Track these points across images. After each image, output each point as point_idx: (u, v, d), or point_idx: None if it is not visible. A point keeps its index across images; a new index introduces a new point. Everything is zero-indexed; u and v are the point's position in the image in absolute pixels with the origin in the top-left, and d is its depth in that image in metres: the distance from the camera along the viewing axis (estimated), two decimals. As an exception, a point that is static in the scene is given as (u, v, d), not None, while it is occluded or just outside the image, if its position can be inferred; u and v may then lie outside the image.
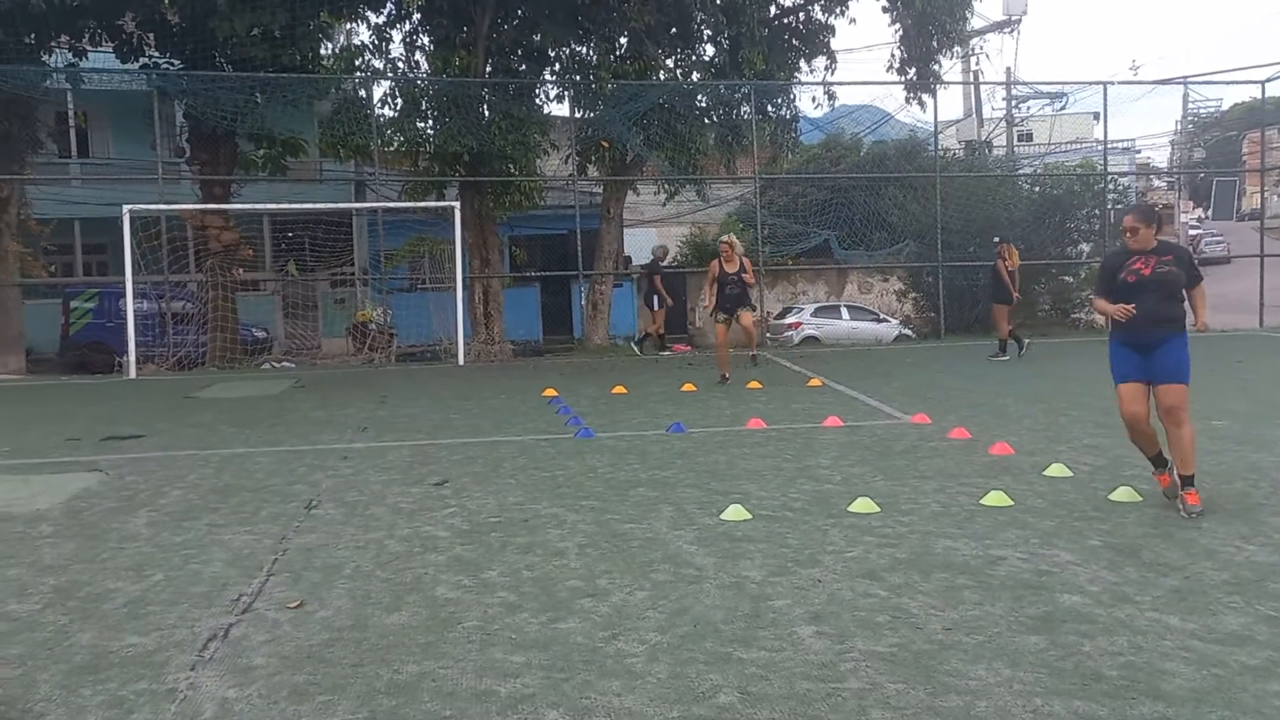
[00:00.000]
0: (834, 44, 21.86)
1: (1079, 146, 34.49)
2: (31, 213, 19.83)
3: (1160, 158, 56.38)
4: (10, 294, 19.02)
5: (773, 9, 20.68)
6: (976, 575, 5.09)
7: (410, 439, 9.60)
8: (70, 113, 25.89)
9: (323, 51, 19.70)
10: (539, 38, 19.80)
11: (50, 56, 18.63)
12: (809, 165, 28.81)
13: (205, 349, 18.98)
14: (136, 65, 19.21)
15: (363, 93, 19.93)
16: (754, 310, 13.20)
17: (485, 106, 19.41)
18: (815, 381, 13.18)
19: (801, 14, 21.43)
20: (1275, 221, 41.81)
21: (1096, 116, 27.41)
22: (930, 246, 21.20)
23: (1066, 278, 23.64)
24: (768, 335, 23.18)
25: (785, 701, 3.69)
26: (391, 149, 20.76)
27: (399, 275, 23.96)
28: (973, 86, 33.15)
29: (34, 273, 20.81)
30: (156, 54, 19.20)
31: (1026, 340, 16.29)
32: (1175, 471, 6.32)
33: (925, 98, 21.25)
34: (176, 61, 18.77)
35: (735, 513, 6.32)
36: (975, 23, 25.01)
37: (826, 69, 21.64)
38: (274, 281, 25.26)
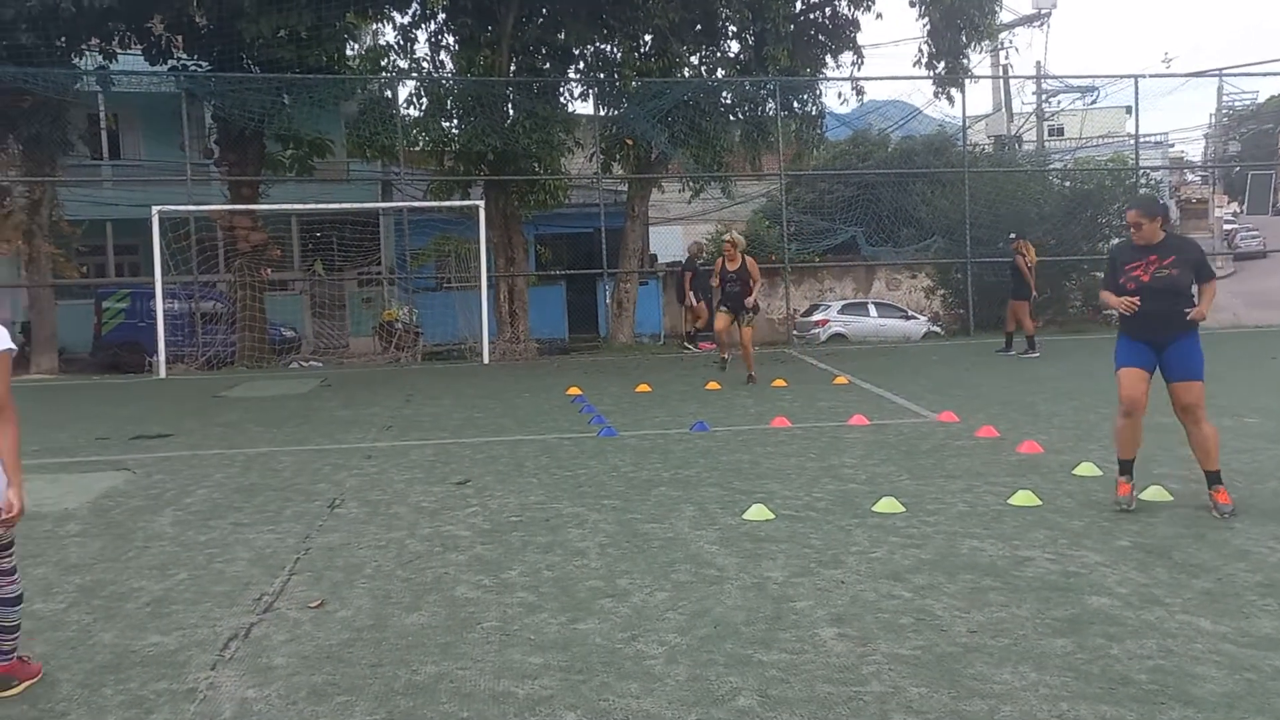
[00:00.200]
0: (860, 39, 21.66)
1: (1110, 141, 34.04)
2: (63, 214, 20.03)
3: (1194, 151, 55.65)
4: (43, 295, 19.25)
5: (798, 4, 20.56)
6: (1003, 576, 5.01)
7: (434, 438, 9.62)
8: (101, 115, 26.15)
9: (349, 52, 19.78)
10: (563, 36, 19.80)
11: (81, 59, 18.83)
12: (836, 161, 28.64)
13: (234, 348, 19.13)
14: (165, 67, 19.38)
15: (388, 93, 20.02)
16: (755, 317, 13.12)
17: (510, 105, 19.44)
18: (841, 379, 13.09)
19: (827, 9, 21.28)
20: (1312, 215, 41.16)
21: (1128, 110, 27.06)
22: (959, 242, 21.01)
23: (1098, 274, 23.31)
24: (794, 333, 23.07)
25: (806, 705, 3.64)
26: (417, 149, 20.82)
27: (425, 274, 24.04)
28: (1002, 81, 32.86)
29: (66, 274, 21.02)
30: (185, 56, 19.35)
31: (1025, 344, 16.04)
32: (1203, 470, 6.20)
33: (954, 92, 21.07)
34: (205, 63, 18.92)
35: (758, 512, 6.27)
36: (1004, 16, 24.81)
37: (853, 64, 21.53)
38: (302, 281, 25.42)
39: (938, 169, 24.79)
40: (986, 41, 21.72)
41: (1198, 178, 56.01)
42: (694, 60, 21.45)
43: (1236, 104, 51.91)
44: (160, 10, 18.19)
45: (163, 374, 16.60)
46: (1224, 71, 34.85)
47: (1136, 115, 21.69)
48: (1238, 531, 5.70)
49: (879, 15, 33.74)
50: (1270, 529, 5.71)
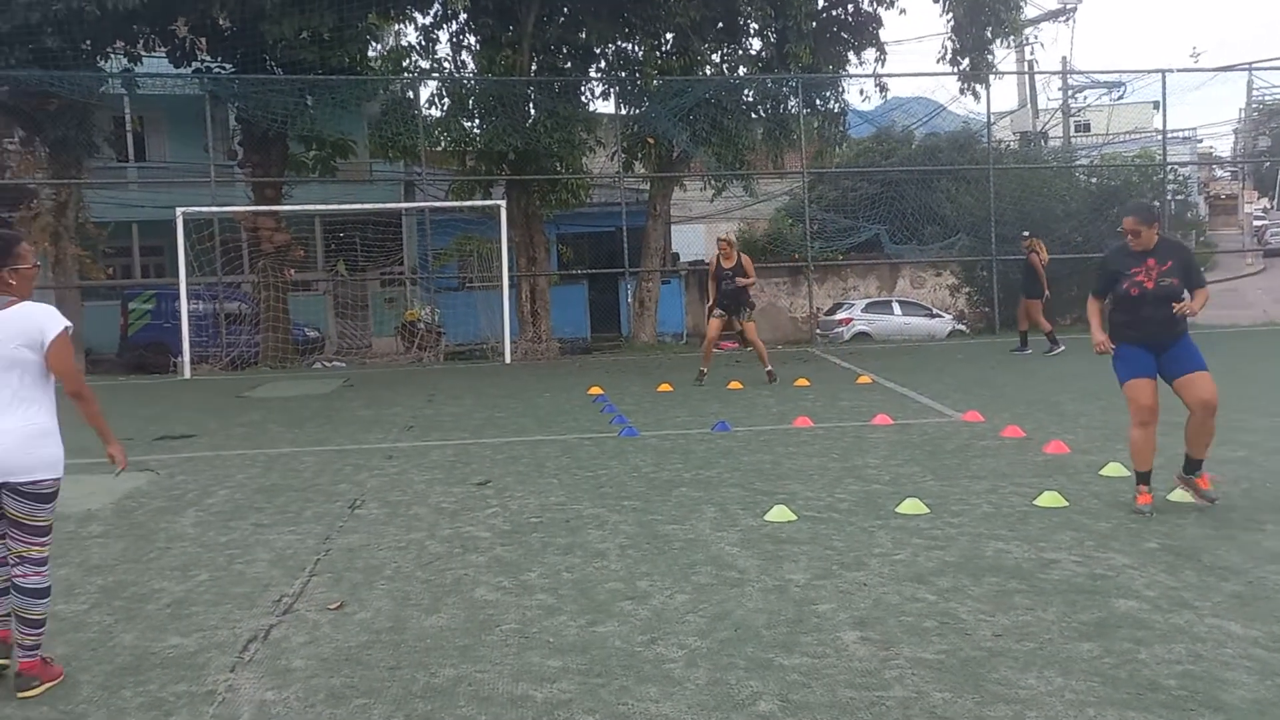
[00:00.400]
0: (883, 35, 21.49)
1: (1137, 136, 33.67)
2: (89, 216, 20.17)
3: (1223, 146, 55.04)
4: (69, 296, 19.40)
5: (820, 1, 20.44)
6: (1028, 579, 4.94)
7: (455, 438, 9.61)
8: (127, 117, 26.36)
9: (370, 53, 19.85)
10: (584, 35, 19.77)
11: (106, 62, 18.98)
12: (859, 159, 28.47)
13: (258, 349, 19.22)
14: (189, 70, 19.50)
15: (410, 93, 20.06)
16: (752, 310, 13.04)
17: (531, 105, 19.43)
18: (865, 378, 12.99)
19: (849, 5, 21.14)
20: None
21: (1156, 106, 26.77)
22: (984, 240, 20.83)
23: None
24: (817, 331, 22.96)
25: (827, 710, 3.59)
26: (439, 149, 20.86)
27: (447, 274, 24.09)
28: (1027, 77, 32.57)
29: (92, 275, 21.17)
30: (209, 58, 19.48)
31: (1030, 343, 15.86)
32: (1186, 455, 6.24)
33: (978, 88, 20.89)
34: (228, 65, 19.03)
35: (780, 514, 6.22)
36: (1029, 11, 24.61)
37: (876, 61, 21.37)
38: (325, 281, 25.54)
39: (962, 166, 24.59)
40: (1011, 37, 21.51)
41: (1227, 173, 55.39)
42: (715, 58, 21.36)
43: (1267, 98, 51.23)
44: (184, 13, 18.30)
45: (187, 374, 16.71)
46: (1254, 65, 34.40)
47: (1164, 111, 21.45)
48: (1269, 533, 5.60)
49: (902, 11, 33.51)
50: (1303, 531, 5.61)
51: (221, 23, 18.53)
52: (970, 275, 24.29)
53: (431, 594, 5.00)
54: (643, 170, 22.14)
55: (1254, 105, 49.96)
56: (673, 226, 24.18)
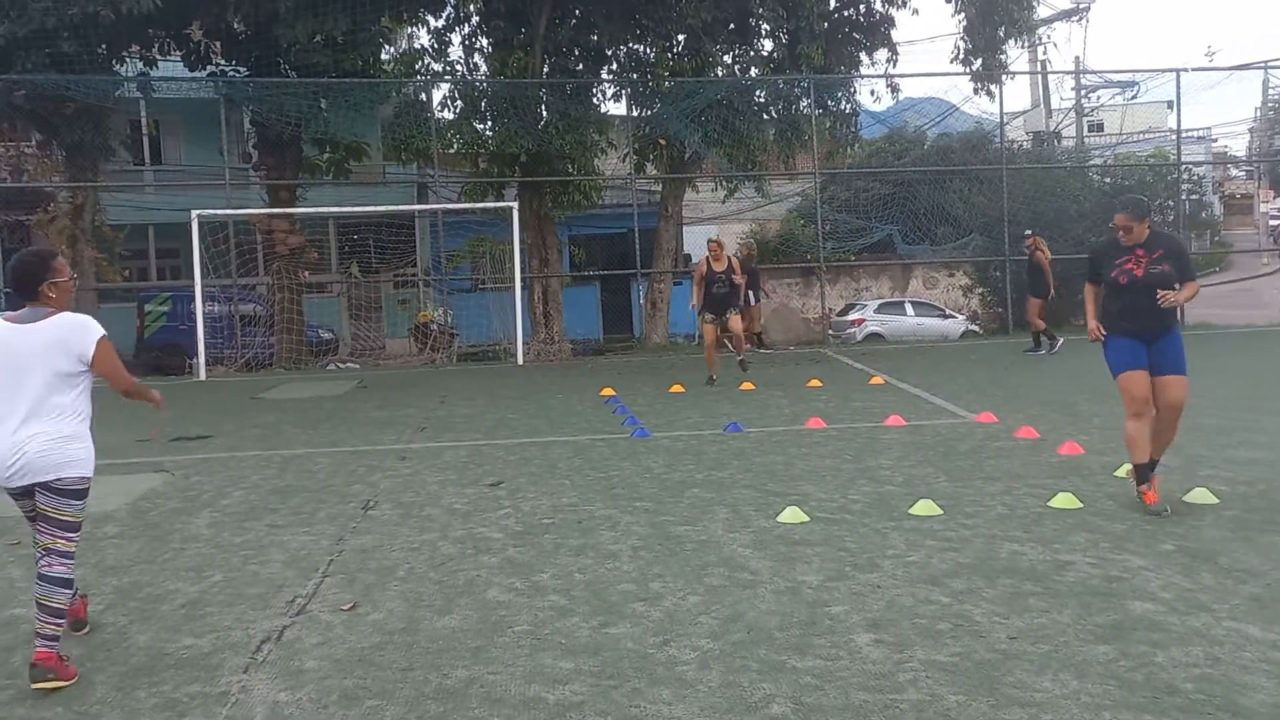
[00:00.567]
0: (895, 36, 21.44)
1: (1151, 136, 33.49)
2: (106, 219, 20.30)
3: (1238, 146, 54.68)
4: (86, 298, 19.51)
5: (832, 2, 20.41)
6: (1043, 581, 4.91)
7: (467, 439, 9.62)
8: (142, 121, 26.51)
9: (384, 56, 19.90)
10: (596, 37, 19.79)
11: (122, 66, 19.09)
12: (871, 159, 28.40)
13: (273, 350, 19.30)
14: (204, 73, 19.60)
15: (423, 96, 20.11)
16: (744, 309, 13.01)
17: (543, 107, 19.45)
18: (877, 379, 12.96)
19: (861, 6, 21.11)
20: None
21: (1170, 105, 26.61)
22: (997, 240, 20.75)
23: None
24: (830, 332, 22.91)
25: (841, 713, 3.58)
26: (451, 151, 20.91)
27: (460, 276, 24.13)
28: (1040, 76, 32.44)
29: (109, 277, 21.31)
30: (223, 62, 19.57)
31: (1047, 342, 15.79)
32: (1149, 456, 6.27)
33: (991, 88, 20.82)
34: (243, 69, 19.12)
35: (792, 515, 6.20)
36: (1042, 11, 24.48)
37: (888, 61, 21.32)
38: (339, 283, 25.61)
39: (975, 166, 24.50)
40: (1024, 36, 21.43)
41: (1242, 173, 55.02)
42: (727, 59, 21.35)
43: (1282, 97, 50.84)
44: (199, 17, 18.40)
45: (203, 376, 16.78)
46: (1269, 64, 34.17)
47: (1179, 110, 21.35)
48: (1287, 535, 5.55)
49: (915, 11, 33.32)
50: (1321, 532, 5.56)
51: (236, 27, 18.63)
52: (983, 276, 24.21)
53: (444, 595, 5.00)
54: (654, 171, 22.14)
55: (1269, 104, 49.59)
56: (684, 227, 24.14)
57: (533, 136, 18.64)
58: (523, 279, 18.67)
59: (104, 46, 17.74)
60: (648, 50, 20.32)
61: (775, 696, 3.72)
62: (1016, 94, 49.37)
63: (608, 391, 12.50)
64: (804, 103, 20.52)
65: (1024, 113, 33.93)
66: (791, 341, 19.64)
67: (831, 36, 20.08)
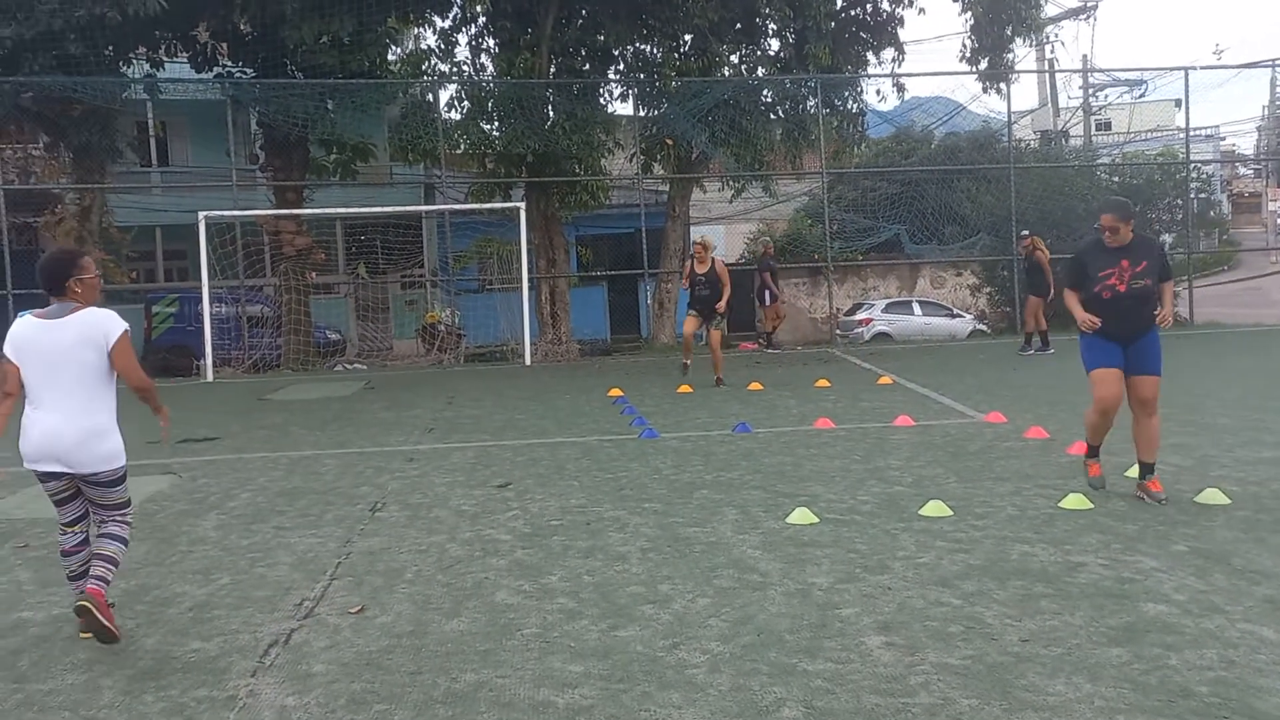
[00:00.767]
0: (902, 35, 21.40)
1: (1159, 135, 33.40)
2: (113, 221, 20.33)
3: (1246, 144, 54.43)
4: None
5: (839, 1, 20.36)
6: (1055, 583, 4.88)
7: (475, 440, 9.61)
8: (149, 122, 26.56)
9: (390, 57, 19.91)
10: (603, 37, 19.77)
11: (128, 68, 19.11)
12: (878, 159, 28.35)
13: (280, 351, 19.32)
14: (211, 75, 19.62)
15: (430, 97, 20.11)
16: (722, 322, 13.03)
17: (550, 107, 19.44)
18: (886, 379, 12.92)
19: (868, 5, 21.06)
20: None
21: (1177, 104, 26.49)
22: (1005, 240, 20.69)
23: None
24: (837, 332, 22.86)
25: (852, 717, 3.55)
26: (458, 151, 20.91)
27: (467, 276, 24.13)
28: (1047, 75, 32.33)
29: (116, 279, 21.30)
30: (230, 63, 19.59)
31: (1039, 342, 15.73)
32: (1139, 460, 6.47)
33: (1001, 86, 20.77)
34: (249, 70, 19.14)
35: (801, 516, 6.17)
36: (1049, 9, 24.42)
37: (894, 61, 21.28)
38: (346, 284, 25.63)
39: (982, 165, 24.44)
40: (1032, 35, 21.37)
41: (1250, 171, 54.79)
42: (734, 59, 21.31)
43: (1291, 95, 50.61)
44: (205, 18, 18.42)
45: (210, 377, 16.80)
46: (1278, 62, 34.05)
47: (1187, 108, 21.23)
48: (1300, 536, 5.51)
49: (921, 10, 33.28)
50: (1335, 533, 5.52)
51: (242, 28, 18.64)
52: (991, 275, 24.14)
53: (452, 598, 4.98)
54: (661, 171, 22.12)
55: (1277, 102, 49.39)
56: (692, 227, 24.09)
57: (540, 137, 18.63)
58: (530, 279, 18.66)
59: (111, 48, 17.77)
60: (654, 50, 20.29)
61: (786, 700, 3.69)
62: (1024, 93, 49.25)
63: (615, 392, 12.48)
64: (811, 102, 20.47)
65: (1031, 111, 33.81)
66: (799, 341, 19.60)
67: (838, 36, 20.04)
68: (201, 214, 17.47)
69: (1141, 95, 31.84)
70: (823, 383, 12.76)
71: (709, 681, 3.87)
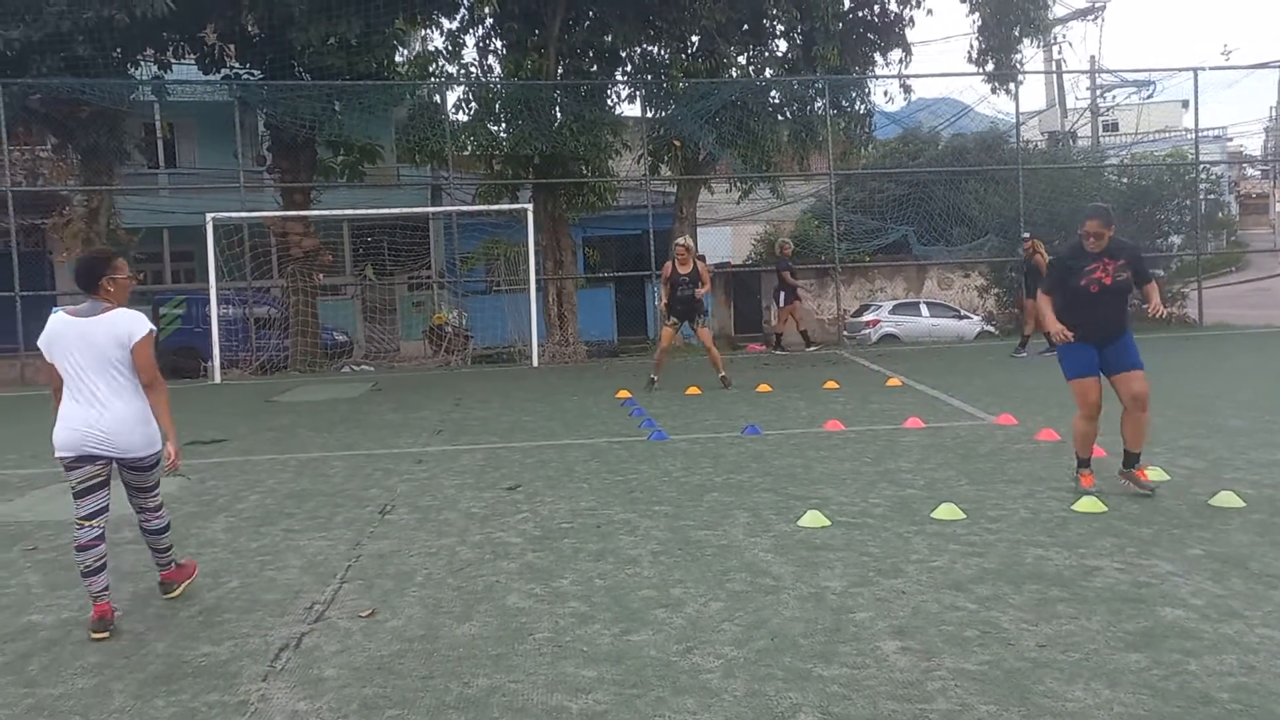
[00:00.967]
0: (910, 36, 21.36)
1: (1167, 136, 33.23)
2: (121, 222, 20.35)
3: (1253, 145, 54.27)
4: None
5: (846, 2, 20.33)
6: (1070, 587, 4.84)
7: (484, 442, 9.59)
8: (157, 124, 26.59)
9: (398, 58, 19.91)
10: (610, 38, 19.76)
11: (136, 70, 19.13)
12: (885, 160, 28.30)
13: (287, 353, 19.33)
14: (219, 76, 19.64)
15: (437, 98, 20.11)
16: (706, 317, 12.94)
17: (557, 108, 19.43)
18: (894, 381, 12.87)
19: (876, 6, 21.02)
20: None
21: (1185, 104, 26.40)
22: (1013, 241, 20.60)
23: (1157, 271, 22.80)
24: (844, 333, 22.81)
25: (869, 723, 3.51)
26: (466, 153, 20.90)
27: (475, 278, 24.13)
28: (1055, 76, 32.26)
29: (123, 280, 21.35)
30: (237, 65, 19.62)
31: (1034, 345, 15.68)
32: (1125, 450, 6.67)
33: (1009, 86, 20.71)
34: (257, 72, 19.15)
35: (813, 519, 6.14)
36: (1057, 10, 24.33)
37: (902, 62, 21.25)
38: (353, 285, 25.65)
39: (990, 166, 24.38)
40: (1040, 36, 21.31)
41: (1257, 172, 54.58)
42: (741, 60, 21.29)
43: (1299, 95, 50.40)
44: (213, 20, 18.43)
45: (218, 379, 16.81)
46: (1287, 62, 33.89)
47: (1196, 109, 21.18)
48: (1318, 540, 5.46)
49: (929, 11, 33.23)
50: (1352, 537, 5.46)
51: (250, 29, 18.66)
52: (999, 276, 24.07)
53: (463, 601, 4.95)
54: (669, 173, 22.10)
55: (1287, 102, 49.18)
56: (699, 229, 24.07)
57: (547, 138, 18.63)
58: (537, 281, 18.64)
59: (119, 50, 17.79)
60: (662, 52, 20.29)
61: (802, 706, 3.65)
62: (1031, 94, 49.18)
63: (624, 394, 12.45)
64: (819, 103, 20.43)
65: (1039, 113, 33.74)
66: (801, 342, 19.53)
67: (846, 37, 20.01)
68: (209, 215, 17.49)
69: (1149, 96, 31.75)
70: (831, 384, 12.72)
71: (724, 687, 3.84)
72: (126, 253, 20.40)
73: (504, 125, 19.76)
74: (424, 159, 20.65)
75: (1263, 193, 55.38)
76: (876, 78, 21.27)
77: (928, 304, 26.74)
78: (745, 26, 20.39)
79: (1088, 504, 6.26)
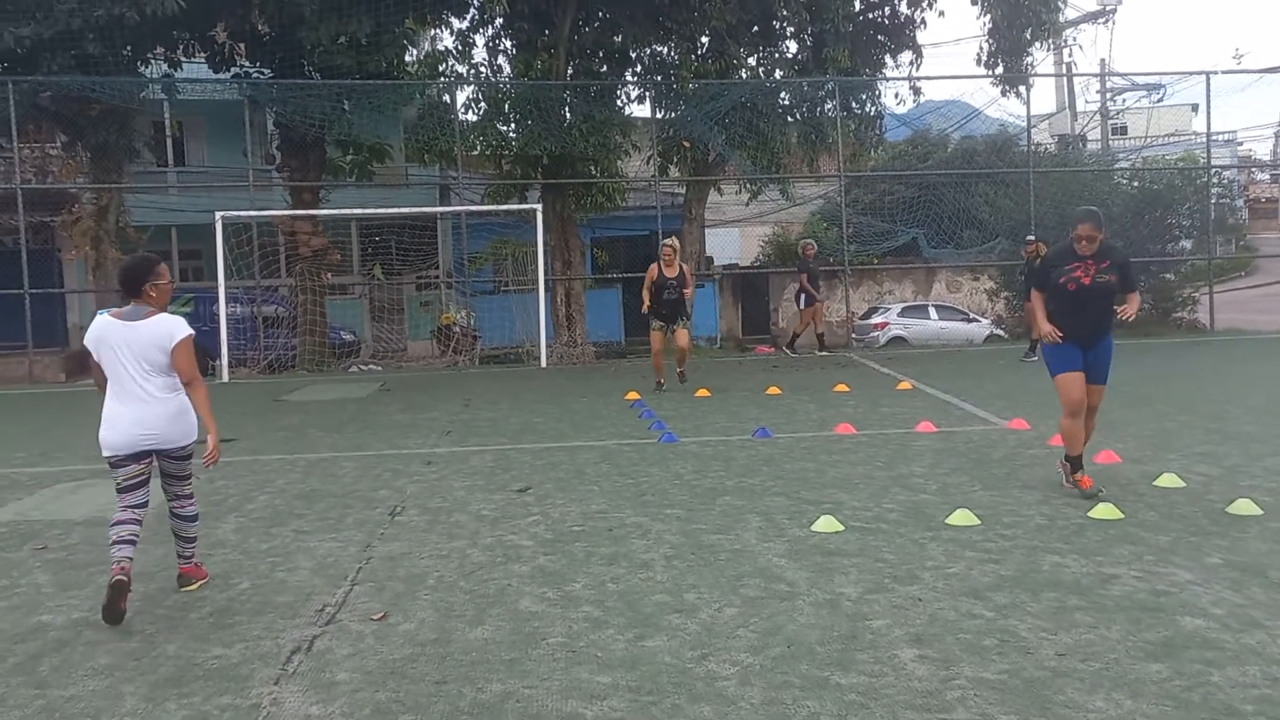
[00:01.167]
0: (920, 38, 21.27)
1: (1177, 139, 33.08)
2: (130, 220, 20.35)
3: (1262, 149, 54.03)
4: (109, 300, 19.57)
5: (857, 4, 20.26)
6: (1088, 595, 4.79)
7: (493, 443, 9.55)
8: (166, 122, 26.60)
9: (407, 58, 19.89)
10: (620, 39, 19.71)
11: (146, 68, 19.14)
12: (895, 162, 28.23)
13: (295, 352, 19.31)
14: (228, 75, 19.64)
15: (446, 98, 20.09)
16: (689, 322, 12.87)
17: (566, 109, 19.39)
18: (905, 384, 12.81)
19: (887, 8, 20.96)
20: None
21: (1195, 108, 26.29)
22: (1023, 244, 20.53)
23: (1167, 275, 22.71)
24: (853, 335, 22.73)
25: (888, 733, 3.47)
26: (475, 153, 20.87)
27: (483, 278, 24.09)
28: (1065, 79, 32.13)
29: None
30: (247, 64, 19.61)
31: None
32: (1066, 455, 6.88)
33: (1020, 89, 20.64)
34: (266, 70, 19.14)
35: (827, 524, 6.09)
36: (1068, 13, 24.25)
37: (912, 64, 21.17)
38: (361, 285, 25.64)
39: (1000, 169, 24.30)
40: (1050, 39, 21.23)
41: (1267, 176, 54.37)
42: (751, 61, 21.23)
43: (1310, 100, 50.20)
44: (223, 19, 18.43)
45: (225, 378, 16.79)
46: (1298, 66, 33.69)
47: (1208, 113, 21.06)
48: (1338, 549, 5.40)
49: (941, 13, 33.14)
50: (1373, 546, 5.41)
51: (260, 28, 18.64)
52: (1009, 279, 23.98)
53: (475, 605, 4.92)
54: (678, 174, 22.04)
55: (1297, 107, 48.97)
56: (708, 230, 24.00)
57: (556, 139, 18.58)
58: (546, 281, 18.60)
59: (129, 48, 17.79)
60: (672, 52, 20.21)
61: (820, 715, 3.61)
62: (1042, 97, 48.99)
63: (633, 395, 12.40)
64: (829, 105, 20.36)
65: (1049, 116, 33.62)
66: (815, 345, 19.45)
67: (856, 39, 19.93)
68: (218, 214, 17.47)
69: (1159, 99, 31.64)
70: (841, 387, 12.66)
71: (740, 694, 3.80)
72: (136, 250, 20.44)
73: (513, 125, 19.72)
74: (433, 159, 20.62)
75: (1272, 197, 55.20)
76: (887, 80, 21.20)
77: (936, 307, 26.68)
78: (755, 28, 20.32)
79: (1104, 510, 6.21)
